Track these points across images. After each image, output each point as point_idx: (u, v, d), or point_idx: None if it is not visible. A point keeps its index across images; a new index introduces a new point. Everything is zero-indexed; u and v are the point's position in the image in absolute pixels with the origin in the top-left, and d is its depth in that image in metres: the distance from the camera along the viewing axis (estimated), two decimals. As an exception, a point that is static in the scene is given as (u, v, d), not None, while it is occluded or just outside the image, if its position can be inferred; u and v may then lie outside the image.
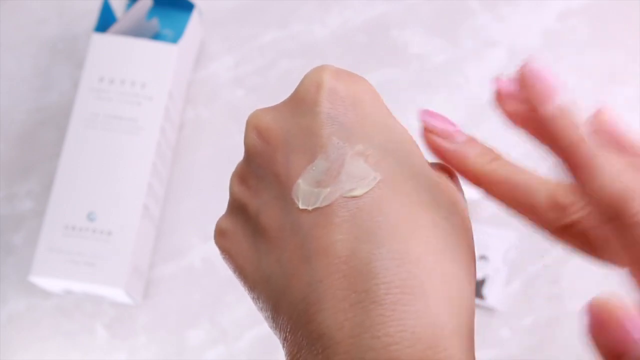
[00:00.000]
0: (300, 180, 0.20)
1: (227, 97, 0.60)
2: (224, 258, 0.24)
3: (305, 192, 0.20)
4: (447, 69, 0.62)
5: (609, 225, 0.18)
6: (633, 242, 0.17)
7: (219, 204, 0.63)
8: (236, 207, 0.23)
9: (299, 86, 0.23)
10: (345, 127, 0.21)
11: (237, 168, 0.24)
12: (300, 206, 0.20)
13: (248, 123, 0.24)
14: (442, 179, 0.22)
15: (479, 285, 0.53)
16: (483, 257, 0.53)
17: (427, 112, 0.22)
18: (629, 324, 0.16)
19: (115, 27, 0.54)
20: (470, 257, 0.20)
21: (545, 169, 0.65)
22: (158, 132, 0.51)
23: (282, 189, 0.21)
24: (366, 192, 0.19)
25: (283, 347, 0.20)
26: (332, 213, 0.19)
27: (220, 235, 0.24)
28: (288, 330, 0.20)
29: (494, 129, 0.61)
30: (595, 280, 0.55)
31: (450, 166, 0.23)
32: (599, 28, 0.65)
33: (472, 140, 0.22)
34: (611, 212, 0.18)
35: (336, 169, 0.20)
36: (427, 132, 0.22)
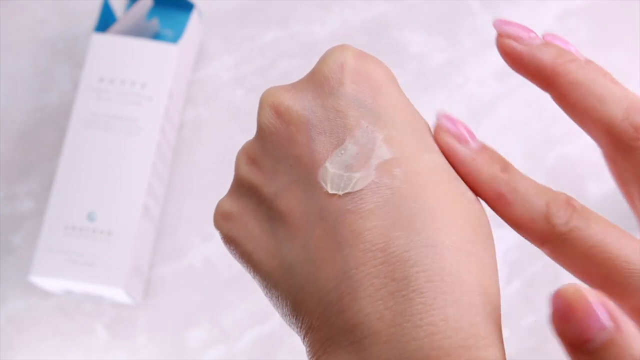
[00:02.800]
0: (327, 164, 0.19)
1: (227, 97, 0.60)
2: (226, 243, 0.22)
3: (335, 176, 0.19)
4: (447, 69, 0.62)
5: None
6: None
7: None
8: (245, 189, 0.22)
9: (320, 65, 0.22)
10: (372, 110, 0.20)
11: (245, 147, 0.23)
12: (330, 191, 0.19)
13: (263, 101, 0.22)
14: None
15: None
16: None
17: (501, 20, 0.22)
18: (600, 309, 0.16)
19: (115, 27, 0.54)
20: (493, 246, 0.20)
21: (545, 169, 0.65)
22: (158, 132, 0.51)
23: (305, 172, 0.20)
24: (399, 178, 0.19)
25: (305, 336, 0.19)
26: (364, 199, 0.19)
27: (224, 219, 0.22)
28: (315, 319, 0.19)
29: (494, 129, 0.61)
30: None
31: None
32: (599, 28, 0.65)
33: (546, 43, 0.21)
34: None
35: (366, 154, 0.19)
36: (502, 37, 0.21)
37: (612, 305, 0.16)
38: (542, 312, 0.54)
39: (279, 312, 0.21)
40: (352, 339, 0.18)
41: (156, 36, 0.58)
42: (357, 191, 0.19)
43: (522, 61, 0.21)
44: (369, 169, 0.19)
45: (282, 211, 0.20)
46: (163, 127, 0.52)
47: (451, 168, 0.20)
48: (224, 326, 0.52)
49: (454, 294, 0.17)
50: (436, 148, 0.20)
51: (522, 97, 0.61)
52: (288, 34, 0.63)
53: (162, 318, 0.52)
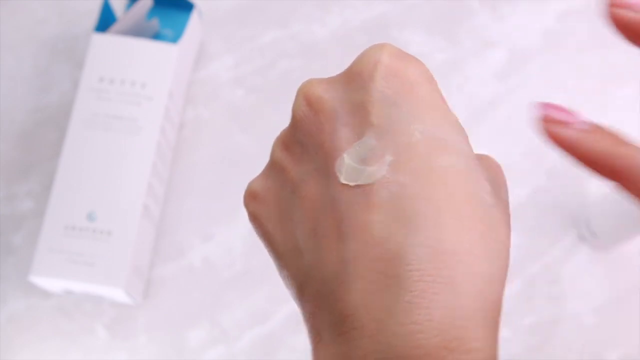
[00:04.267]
0: (345, 155, 0.20)
1: (227, 97, 0.60)
2: (252, 221, 0.23)
3: (349, 167, 0.20)
4: (447, 69, 0.62)
5: None
6: None
7: (219, 204, 0.63)
8: (275, 172, 0.23)
9: (356, 61, 0.22)
10: (398, 108, 0.20)
11: (281, 134, 0.24)
12: (342, 181, 0.20)
13: (299, 91, 0.23)
14: (487, 169, 0.21)
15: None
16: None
17: (544, 104, 0.21)
18: None
19: (115, 27, 0.54)
20: (505, 255, 0.20)
21: (545, 169, 0.65)
22: (158, 132, 0.51)
23: (325, 161, 0.20)
24: (410, 177, 0.19)
25: (307, 322, 0.20)
26: (373, 192, 0.19)
27: (251, 198, 0.23)
28: (315, 305, 0.19)
29: (495, 128, 0.61)
30: (596, 280, 0.55)
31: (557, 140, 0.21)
32: (599, 28, 0.65)
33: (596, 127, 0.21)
34: None
35: (382, 149, 0.20)
36: (545, 122, 0.21)
37: None
38: (542, 312, 0.54)
39: (289, 292, 0.22)
40: (341, 329, 0.18)
41: (156, 36, 0.58)
42: (367, 184, 0.19)
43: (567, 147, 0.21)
44: (383, 164, 0.19)
45: (303, 196, 0.21)
46: (163, 127, 0.52)
47: (473, 172, 0.20)
48: (224, 326, 0.52)
49: (444, 296, 0.17)
50: (464, 151, 0.20)
51: (522, 97, 0.61)
52: (288, 34, 0.63)
53: (162, 318, 0.52)
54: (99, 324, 0.52)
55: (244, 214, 0.24)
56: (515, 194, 0.57)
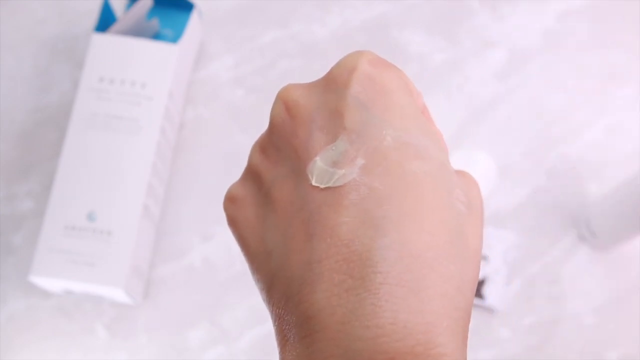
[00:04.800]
0: (317, 158, 0.20)
1: (227, 97, 0.60)
2: (230, 226, 0.23)
3: (320, 170, 0.20)
4: (447, 69, 0.62)
5: None
6: None
7: (219, 204, 0.63)
8: (250, 175, 0.23)
9: (334, 67, 0.23)
10: (371, 113, 0.21)
11: (259, 138, 0.24)
12: (313, 183, 0.20)
13: (278, 96, 0.23)
14: (462, 181, 0.22)
15: (479, 285, 0.53)
16: (483, 257, 0.53)
17: None
18: None
19: (115, 27, 0.54)
20: (475, 263, 0.20)
21: (545, 169, 0.65)
22: (158, 132, 0.51)
23: (298, 164, 0.21)
24: (380, 180, 0.19)
25: (274, 323, 0.20)
26: (342, 194, 0.19)
27: (230, 202, 0.23)
28: (281, 307, 0.19)
29: (495, 128, 0.61)
30: (596, 280, 0.55)
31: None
32: (599, 28, 0.65)
33: None
34: None
35: (354, 153, 0.20)
36: None
37: None
38: (542, 312, 0.54)
39: (261, 297, 0.22)
40: (305, 332, 0.18)
41: (156, 36, 0.58)
42: (337, 187, 0.19)
43: None
44: (354, 167, 0.20)
45: (274, 199, 0.21)
46: (163, 127, 0.52)
47: (446, 179, 0.20)
48: (224, 326, 0.52)
49: (409, 299, 0.17)
50: (436, 158, 0.21)
51: (522, 97, 0.61)
52: (288, 34, 0.63)
53: (162, 318, 0.52)
54: (99, 324, 0.52)
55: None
56: (515, 194, 0.57)
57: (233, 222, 0.23)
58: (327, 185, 0.20)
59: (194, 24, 0.57)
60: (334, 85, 0.22)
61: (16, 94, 0.59)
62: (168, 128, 0.54)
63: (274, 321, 0.20)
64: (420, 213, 0.19)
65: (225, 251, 0.54)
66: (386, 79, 0.22)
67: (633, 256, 0.56)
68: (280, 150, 0.22)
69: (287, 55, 0.62)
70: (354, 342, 0.17)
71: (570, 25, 0.65)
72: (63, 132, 0.56)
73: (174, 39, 0.57)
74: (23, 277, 0.52)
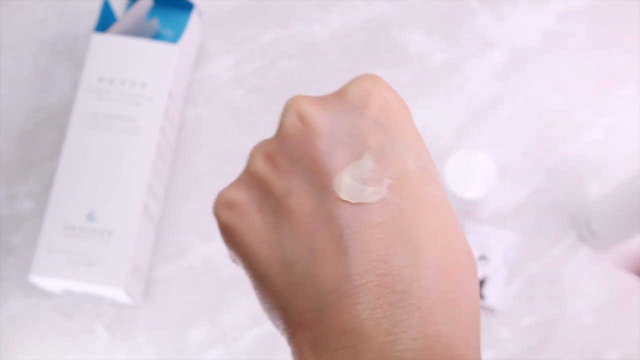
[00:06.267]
0: (344, 173, 0.21)
1: (227, 97, 0.60)
2: (224, 231, 0.23)
3: (349, 185, 0.21)
4: (447, 69, 0.62)
5: None
6: None
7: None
8: (255, 182, 0.23)
9: (350, 85, 0.23)
10: (391, 136, 0.22)
11: (263, 144, 0.24)
12: (343, 197, 0.20)
13: (289, 106, 0.23)
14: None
15: (479, 285, 0.53)
16: (483, 257, 0.53)
17: None
18: None
19: (115, 27, 0.54)
20: (473, 272, 0.21)
21: (545, 169, 0.65)
22: (158, 132, 0.51)
23: (319, 177, 0.21)
24: (408, 201, 0.20)
25: (293, 335, 0.20)
26: (374, 212, 0.20)
27: (227, 207, 0.23)
28: (308, 317, 0.20)
29: (495, 129, 0.61)
30: (596, 280, 0.55)
31: None
32: (599, 28, 0.65)
33: None
34: None
35: (381, 172, 0.21)
36: None
37: None
38: (542, 312, 0.54)
39: (264, 306, 0.22)
40: (345, 342, 0.18)
41: (156, 36, 0.58)
42: (367, 203, 0.20)
43: None
44: (382, 186, 0.20)
45: (292, 209, 0.21)
46: (163, 127, 0.52)
47: (449, 201, 0.22)
48: (224, 326, 0.52)
49: (448, 315, 0.18)
50: (439, 181, 0.22)
51: (522, 97, 0.61)
52: (288, 34, 0.63)
53: (162, 318, 0.52)
54: (99, 324, 0.52)
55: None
56: (515, 194, 0.57)
57: (231, 229, 0.22)
58: (358, 201, 0.20)
59: (194, 24, 0.57)
60: (350, 105, 0.22)
61: (16, 94, 0.59)
62: (168, 128, 0.54)
63: (293, 333, 0.20)
64: (446, 234, 0.20)
65: (225, 251, 0.54)
66: (398, 105, 0.23)
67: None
68: (295, 161, 0.22)
69: (287, 55, 0.62)
70: (404, 353, 0.18)
71: (570, 25, 0.65)
72: (63, 132, 0.56)
73: (174, 39, 0.57)
74: (23, 277, 0.52)
